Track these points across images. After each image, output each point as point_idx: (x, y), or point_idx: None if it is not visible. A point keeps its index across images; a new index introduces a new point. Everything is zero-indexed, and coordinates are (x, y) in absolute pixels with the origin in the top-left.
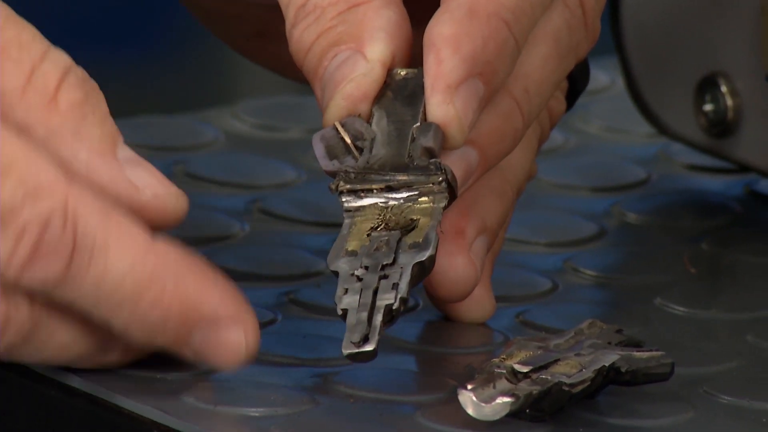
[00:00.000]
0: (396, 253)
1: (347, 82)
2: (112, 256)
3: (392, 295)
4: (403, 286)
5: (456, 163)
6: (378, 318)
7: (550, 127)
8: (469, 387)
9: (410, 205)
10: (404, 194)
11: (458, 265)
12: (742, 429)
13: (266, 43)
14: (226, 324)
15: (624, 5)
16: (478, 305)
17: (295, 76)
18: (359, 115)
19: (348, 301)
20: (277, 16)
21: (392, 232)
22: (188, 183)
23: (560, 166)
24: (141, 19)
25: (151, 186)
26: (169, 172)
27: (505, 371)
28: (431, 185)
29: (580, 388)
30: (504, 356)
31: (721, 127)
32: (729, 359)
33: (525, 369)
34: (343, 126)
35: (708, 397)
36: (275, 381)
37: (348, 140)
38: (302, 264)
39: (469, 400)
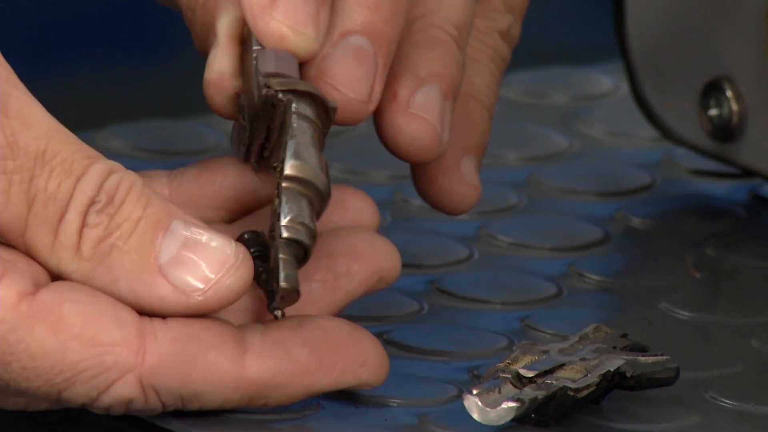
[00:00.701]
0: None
1: (205, 69)
2: (203, 400)
3: (277, 227)
4: (281, 210)
5: (344, 59)
6: (276, 258)
7: None
8: (474, 392)
9: (286, 133)
10: (280, 129)
11: (400, 125)
12: None
13: None
14: (345, 385)
15: (629, 10)
16: (458, 189)
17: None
18: (240, 93)
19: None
20: None
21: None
22: None
23: (564, 171)
24: (145, 23)
25: (197, 285)
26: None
27: (510, 376)
28: (282, 103)
29: (585, 392)
30: (509, 361)
31: (726, 131)
32: (733, 364)
33: (530, 374)
34: (238, 111)
35: (712, 401)
36: None
37: (240, 121)
38: None
39: (474, 404)
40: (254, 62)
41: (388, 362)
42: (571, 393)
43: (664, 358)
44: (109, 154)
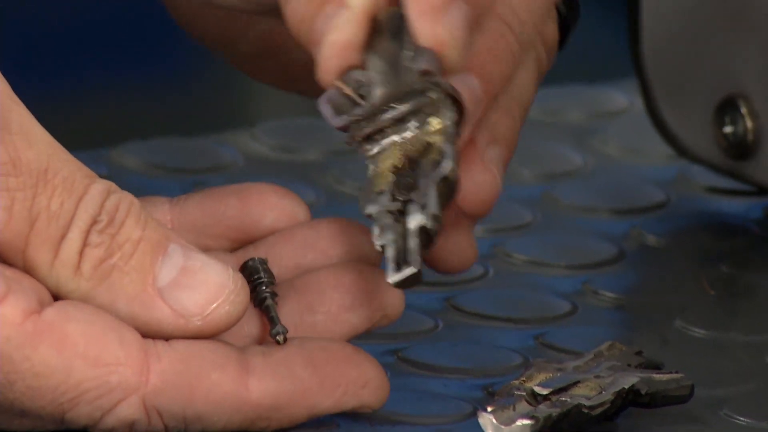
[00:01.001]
0: (419, 177)
1: (330, 31)
2: (206, 421)
3: (423, 215)
4: (431, 203)
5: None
6: (413, 240)
7: (546, 54)
8: (489, 409)
9: (423, 130)
10: (415, 122)
11: (474, 173)
12: None
13: (266, 61)
14: (346, 407)
15: (643, 27)
16: (460, 250)
17: (296, 88)
18: (356, 68)
19: (384, 236)
20: (274, 35)
21: (415, 160)
22: None
23: (579, 188)
24: (160, 41)
25: (196, 310)
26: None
27: (524, 393)
28: (435, 104)
29: (599, 410)
30: (524, 378)
31: (741, 149)
32: (748, 381)
33: (545, 391)
34: (342, 81)
35: (727, 419)
36: None
37: (351, 93)
38: None
39: (489, 422)
40: (410, 53)
41: (389, 385)
42: (586, 410)
43: (679, 375)
44: (124, 172)
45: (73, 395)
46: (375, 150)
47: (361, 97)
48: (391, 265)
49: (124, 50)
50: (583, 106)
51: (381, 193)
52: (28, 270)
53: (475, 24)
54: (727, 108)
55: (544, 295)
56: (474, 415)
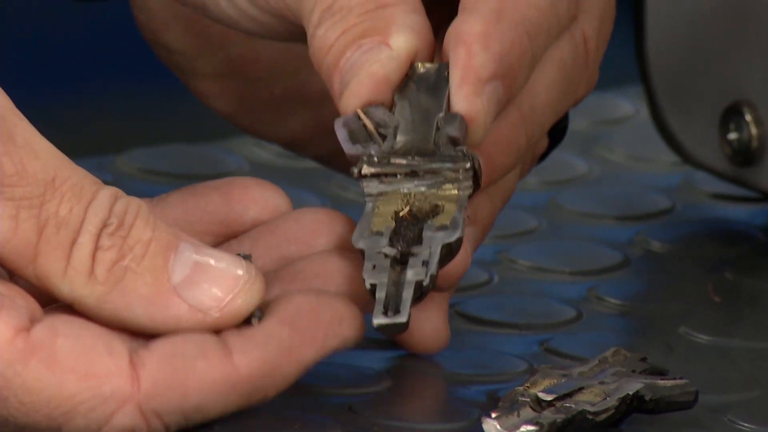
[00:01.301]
0: (422, 234)
1: (372, 62)
2: (205, 410)
3: (422, 271)
4: (433, 264)
5: None
6: (408, 292)
7: (531, 161)
8: (494, 415)
9: (434, 192)
10: (428, 181)
11: None
12: None
13: (226, 84)
14: (331, 349)
15: (649, 34)
16: (434, 334)
17: (246, 123)
18: (381, 105)
19: (377, 276)
20: (243, 60)
21: (418, 215)
22: None
23: (584, 195)
24: None
25: (213, 303)
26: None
27: (529, 399)
28: (457, 173)
29: (604, 416)
30: (528, 384)
31: (746, 155)
32: (752, 387)
33: (549, 397)
34: (365, 114)
35: (731, 425)
36: (299, 409)
37: (370, 127)
38: None
39: (493, 428)
40: (442, 114)
41: (363, 316)
42: (590, 416)
43: (683, 381)
44: (129, 179)
45: (66, 408)
46: (376, 190)
47: (380, 135)
48: (378, 308)
49: (129, 57)
50: (588, 113)
51: (378, 233)
52: (40, 280)
53: (503, 109)
54: (732, 115)
55: (549, 301)
56: (478, 421)
